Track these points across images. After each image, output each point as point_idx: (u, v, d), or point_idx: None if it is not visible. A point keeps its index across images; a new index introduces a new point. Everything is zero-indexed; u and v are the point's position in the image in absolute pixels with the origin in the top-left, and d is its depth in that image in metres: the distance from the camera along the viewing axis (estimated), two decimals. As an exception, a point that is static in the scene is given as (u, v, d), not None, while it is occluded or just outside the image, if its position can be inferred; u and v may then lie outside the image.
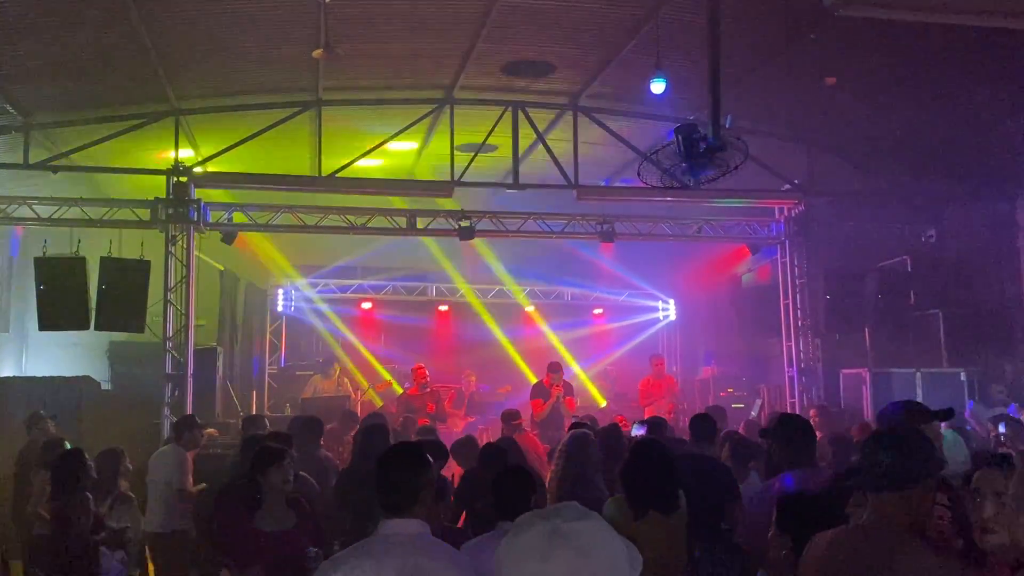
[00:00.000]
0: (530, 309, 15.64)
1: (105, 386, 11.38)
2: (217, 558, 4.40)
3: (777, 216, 12.03)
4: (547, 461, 7.05)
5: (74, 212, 10.30)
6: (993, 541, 2.26)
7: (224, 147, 10.13)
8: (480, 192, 11.32)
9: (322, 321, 14.86)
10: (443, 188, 10.62)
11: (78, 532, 4.73)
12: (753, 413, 11.56)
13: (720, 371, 14.22)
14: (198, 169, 10.39)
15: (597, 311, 16.10)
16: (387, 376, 14.05)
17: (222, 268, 12.44)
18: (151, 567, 6.49)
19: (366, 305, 15.19)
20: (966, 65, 8.49)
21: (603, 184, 12.17)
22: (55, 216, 10.31)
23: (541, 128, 10.41)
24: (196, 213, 10.44)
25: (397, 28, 8.33)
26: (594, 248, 12.77)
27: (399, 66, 9.33)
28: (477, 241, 11.79)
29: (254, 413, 10.75)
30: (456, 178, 10.43)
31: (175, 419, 8.45)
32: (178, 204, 10.25)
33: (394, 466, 2.89)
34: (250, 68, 9.17)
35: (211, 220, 10.81)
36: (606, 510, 4.13)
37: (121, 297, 9.60)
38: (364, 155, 10.31)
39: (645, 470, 4.12)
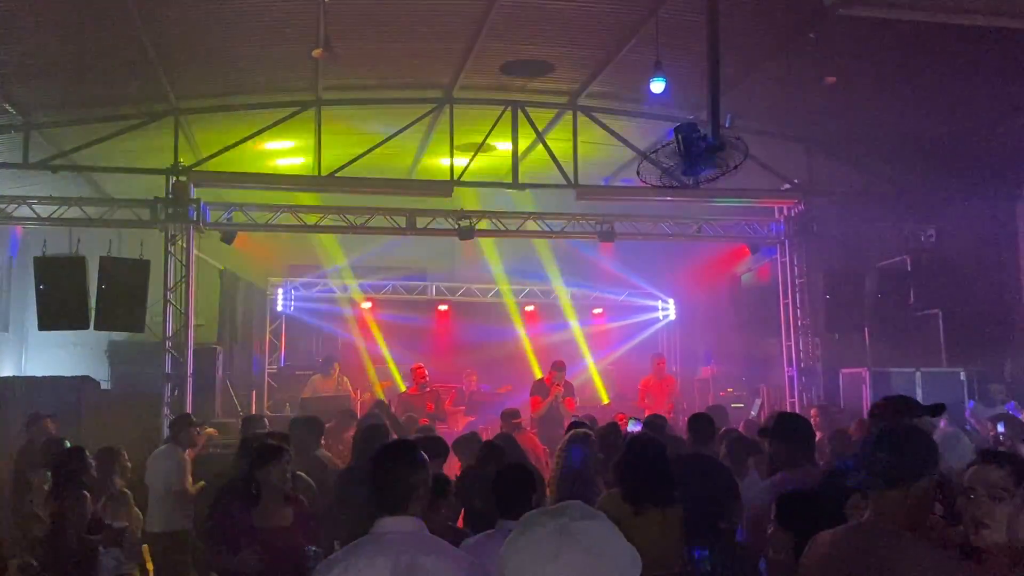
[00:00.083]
0: (530, 309, 15.64)
1: (105, 386, 11.36)
2: (211, 558, 4.40)
3: (777, 216, 12.03)
4: (547, 463, 7.06)
5: (74, 212, 10.30)
6: (988, 538, 2.25)
7: (224, 147, 10.13)
8: (480, 192, 11.33)
9: (321, 321, 14.86)
10: (442, 188, 10.62)
11: (75, 531, 4.72)
12: (753, 413, 11.56)
13: (720, 371, 14.22)
14: (197, 169, 10.39)
15: (597, 311, 16.09)
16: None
17: (222, 268, 12.43)
18: (151, 567, 6.48)
19: (366, 305, 15.18)
20: (966, 65, 8.49)
21: (603, 184, 12.18)
22: (55, 216, 10.30)
23: (540, 128, 10.41)
24: (196, 212, 10.44)
25: (396, 28, 8.33)
26: (594, 248, 12.77)
27: (398, 66, 9.33)
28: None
29: (254, 413, 10.75)
30: (456, 178, 10.44)
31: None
32: (177, 204, 10.25)
33: (388, 464, 2.88)
34: (250, 68, 9.17)
35: (211, 220, 10.81)
36: (601, 506, 4.13)
37: (121, 297, 9.60)
38: (364, 155, 10.31)
39: (641, 464, 4.12)
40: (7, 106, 9.31)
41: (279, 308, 14.74)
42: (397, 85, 9.91)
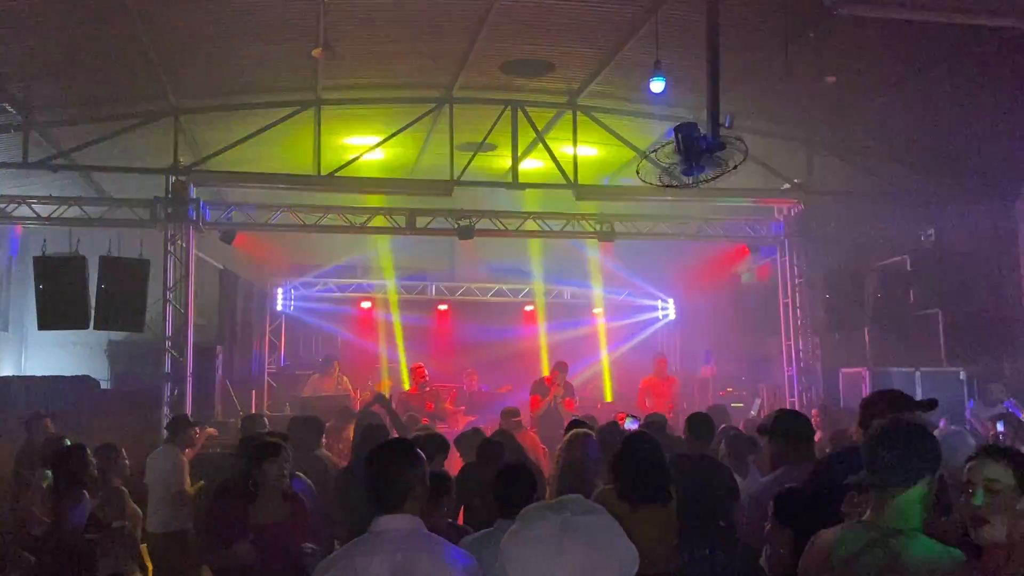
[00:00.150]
0: (530, 308, 15.64)
1: (104, 385, 11.37)
2: (208, 554, 4.40)
3: (777, 216, 12.04)
4: (547, 462, 7.05)
5: (73, 211, 10.30)
6: (988, 534, 2.24)
7: (223, 146, 10.12)
8: (479, 191, 11.32)
9: (321, 320, 14.87)
10: (442, 188, 10.62)
11: (74, 530, 4.72)
12: (752, 412, 11.57)
13: (720, 370, 14.22)
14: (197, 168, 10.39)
15: (596, 310, 16.10)
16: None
17: (221, 267, 12.43)
18: (151, 567, 6.47)
19: (365, 304, 15.19)
20: (966, 65, 8.49)
21: (603, 184, 12.18)
22: (54, 215, 10.30)
23: (540, 127, 10.41)
24: (195, 212, 10.45)
25: (396, 27, 8.32)
26: (594, 247, 12.77)
27: (398, 65, 9.33)
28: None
29: (254, 412, 10.74)
30: (455, 177, 10.44)
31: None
32: (177, 203, 10.26)
33: (383, 463, 2.86)
34: (249, 67, 9.17)
35: (210, 219, 10.81)
36: (596, 501, 4.12)
37: (120, 296, 9.60)
38: (363, 154, 10.31)
39: (637, 462, 4.12)
40: (7, 105, 9.30)
41: (279, 308, 14.75)
42: (397, 85, 9.91)
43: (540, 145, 10.48)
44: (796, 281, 11.81)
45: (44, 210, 10.30)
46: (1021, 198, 11.01)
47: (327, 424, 7.34)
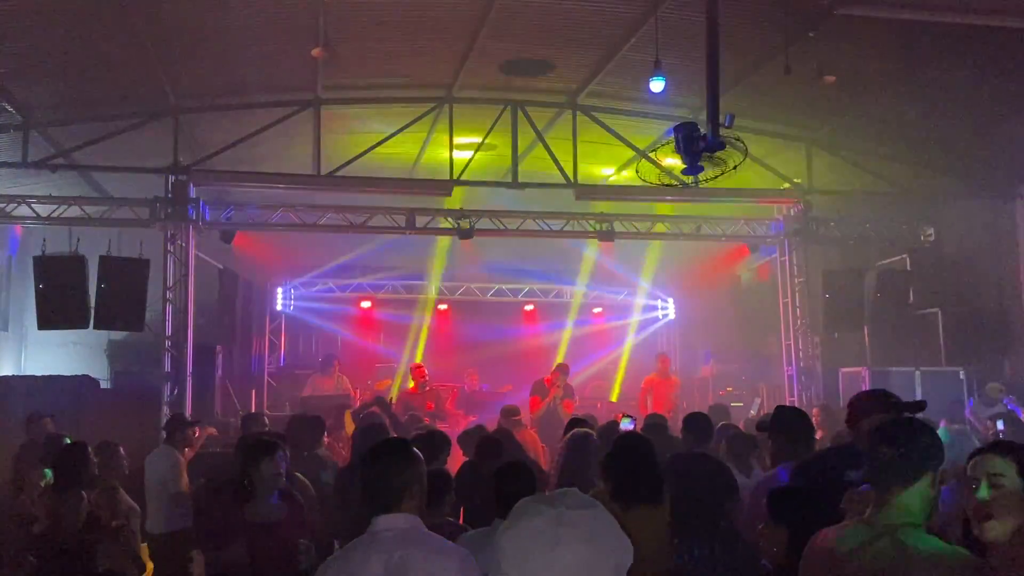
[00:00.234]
0: (530, 308, 15.65)
1: (104, 385, 11.36)
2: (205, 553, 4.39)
3: (776, 215, 12.03)
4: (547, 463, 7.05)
5: (73, 211, 10.29)
6: (993, 530, 2.23)
7: (223, 146, 10.12)
8: (479, 191, 11.33)
9: (321, 320, 14.87)
10: (442, 187, 10.62)
11: (72, 529, 4.71)
12: (752, 412, 11.57)
13: (719, 370, 14.23)
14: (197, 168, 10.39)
15: (596, 310, 16.10)
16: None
17: (221, 267, 12.43)
18: (150, 567, 6.47)
19: (365, 304, 15.19)
20: (966, 65, 8.49)
21: (602, 183, 12.18)
22: (54, 215, 10.30)
23: (540, 127, 10.41)
24: (195, 212, 10.44)
25: (396, 27, 8.32)
26: (593, 247, 12.77)
27: (398, 64, 9.33)
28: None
29: (253, 412, 10.75)
30: (455, 177, 10.43)
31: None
32: (177, 203, 10.25)
33: (379, 463, 2.85)
34: (249, 66, 9.16)
35: (210, 219, 10.81)
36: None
37: (120, 296, 9.60)
38: (363, 154, 10.30)
39: (629, 462, 4.11)
40: (6, 105, 9.30)
41: (279, 307, 14.75)
42: (397, 84, 9.91)
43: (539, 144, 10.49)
44: (795, 280, 11.81)
45: (44, 210, 10.29)
46: (1021, 198, 11.01)
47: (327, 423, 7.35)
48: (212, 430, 8.79)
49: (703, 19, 6.21)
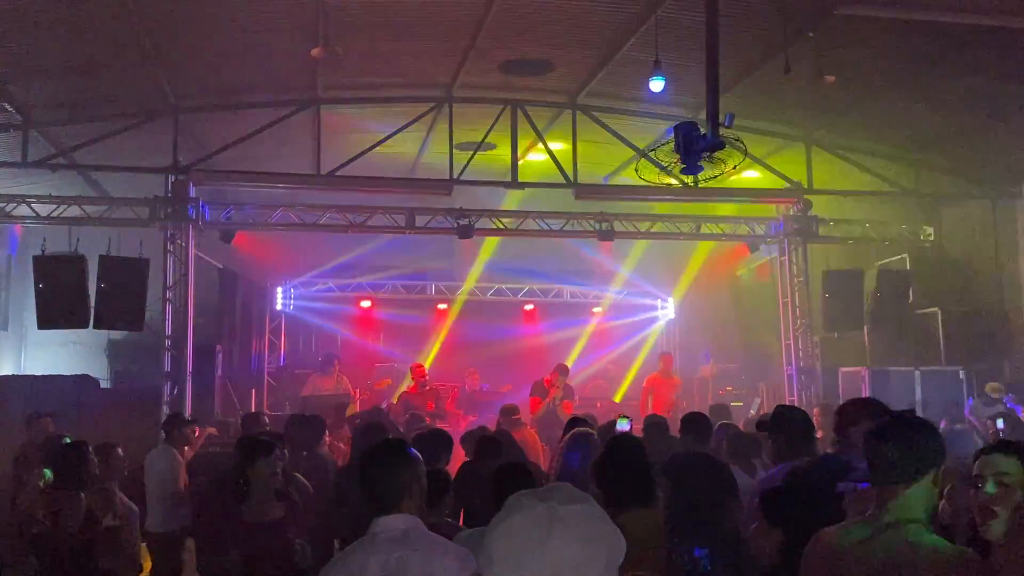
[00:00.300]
0: (529, 308, 15.66)
1: (104, 384, 11.37)
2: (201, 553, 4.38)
3: (776, 215, 12.03)
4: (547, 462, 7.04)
5: (73, 210, 10.29)
6: (998, 528, 2.22)
7: (223, 145, 10.12)
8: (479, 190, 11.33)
9: (321, 319, 14.88)
10: (442, 187, 10.62)
11: (71, 529, 4.70)
12: (752, 411, 11.57)
13: (719, 369, 14.23)
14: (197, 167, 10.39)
15: (596, 309, 16.10)
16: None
17: (221, 266, 12.43)
18: (148, 566, 6.47)
19: (365, 303, 15.19)
20: (966, 64, 8.49)
21: (602, 183, 12.17)
22: (54, 214, 10.30)
23: (540, 126, 10.41)
24: (195, 211, 10.44)
25: (396, 26, 8.32)
26: (593, 246, 12.77)
27: (398, 64, 9.33)
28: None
29: (253, 411, 10.74)
30: (455, 176, 10.44)
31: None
32: (177, 202, 10.25)
33: (377, 464, 2.84)
34: (249, 66, 9.16)
35: (210, 218, 10.81)
36: None
37: (120, 295, 9.60)
38: (363, 153, 10.31)
39: (620, 465, 4.10)
40: (5, 105, 9.30)
41: (278, 307, 14.75)
42: (397, 84, 9.91)
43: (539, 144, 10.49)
44: (795, 280, 11.81)
45: (44, 209, 10.29)
46: (1021, 198, 11.02)
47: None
48: (212, 430, 8.77)
49: (703, 19, 6.21)
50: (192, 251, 10.49)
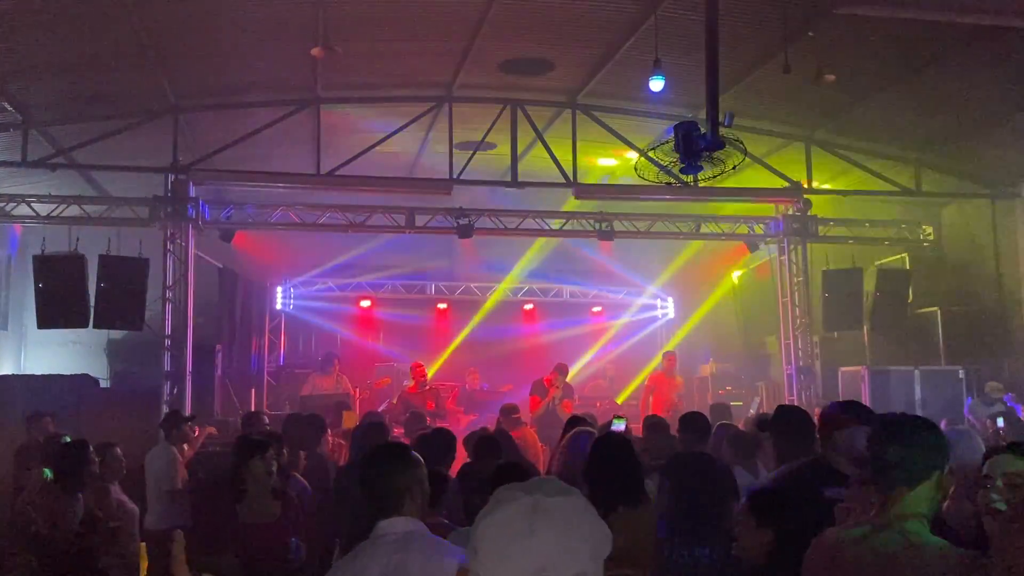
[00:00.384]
0: (529, 307, 15.65)
1: (104, 384, 11.36)
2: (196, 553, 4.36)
3: (776, 215, 12.03)
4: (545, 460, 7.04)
5: (73, 210, 10.30)
6: (1002, 530, 2.22)
7: (223, 145, 10.12)
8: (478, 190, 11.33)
9: (321, 319, 14.87)
10: (442, 186, 10.62)
11: (71, 529, 4.71)
12: (752, 411, 11.56)
13: (719, 369, 14.22)
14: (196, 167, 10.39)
15: (596, 309, 16.10)
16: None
17: (220, 266, 12.43)
18: (146, 565, 6.46)
19: (365, 303, 15.19)
20: (965, 63, 8.50)
21: (602, 182, 12.18)
22: (54, 214, 10.30)
23: (540, 126, 10.41)
24: (195, 211, 10.44)
25: (395, 26, 8.32)
26: (593, 246, 12.77)
27: (397, 64, 9.33)
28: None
29: (253, 411, 10.74)
30: (455, 176, 10.44)
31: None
32: (176, 202, 10.25)
33: (378, 467, 2.83)
34: (249, 66, 9.17)
35: (209, 218, 10.81)
36: None
37: (120, 295, 9.61)
38: (363, 153, 10.31)
39: (608, 465, 4.09)
40: (6, 104, 9.29)
41: (278, 306, 14.75)
42: (397, 83, 9.91)
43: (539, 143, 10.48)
44: (795, 280, 11.81)
45: (43, 209, 10.30)
46: (1021, 198, 11.02)
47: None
48: (212, 429, 8.77)
49: (703, 18, 6.21)
50: (192, 250, 10.49)
